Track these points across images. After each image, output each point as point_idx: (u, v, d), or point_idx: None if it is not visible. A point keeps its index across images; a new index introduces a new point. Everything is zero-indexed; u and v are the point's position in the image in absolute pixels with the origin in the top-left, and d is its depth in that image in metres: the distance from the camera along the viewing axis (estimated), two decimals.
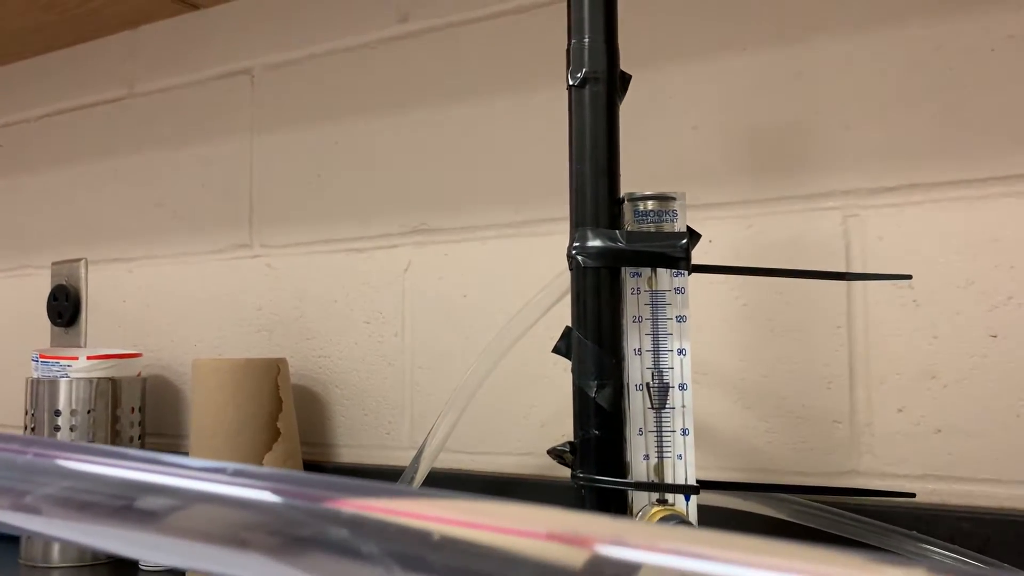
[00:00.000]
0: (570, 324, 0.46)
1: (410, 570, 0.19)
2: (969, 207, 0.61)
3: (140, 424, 0.91)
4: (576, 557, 0.18)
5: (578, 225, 0.46)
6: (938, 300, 0.61)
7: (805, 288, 0.65)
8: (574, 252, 0.45)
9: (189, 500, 0.22)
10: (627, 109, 0.51)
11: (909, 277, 0.48)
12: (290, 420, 0.79)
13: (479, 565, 0.19)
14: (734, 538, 0.18)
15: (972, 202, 0.61)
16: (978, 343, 0.60)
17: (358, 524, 0.20)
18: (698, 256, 0.69)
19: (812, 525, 0.60)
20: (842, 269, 0.64)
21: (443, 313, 0.81)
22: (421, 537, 0.19)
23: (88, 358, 0.88)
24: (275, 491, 0.21)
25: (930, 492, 0.61)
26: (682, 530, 0.18)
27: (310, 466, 0.83)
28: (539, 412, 0.75)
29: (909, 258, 0.62)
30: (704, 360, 0.68)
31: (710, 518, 0.62)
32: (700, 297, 0.68)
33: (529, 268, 0.77)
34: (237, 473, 0.22)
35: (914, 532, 0.58)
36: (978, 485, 0.59)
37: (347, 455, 0.85)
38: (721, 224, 0.68)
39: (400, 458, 0.81)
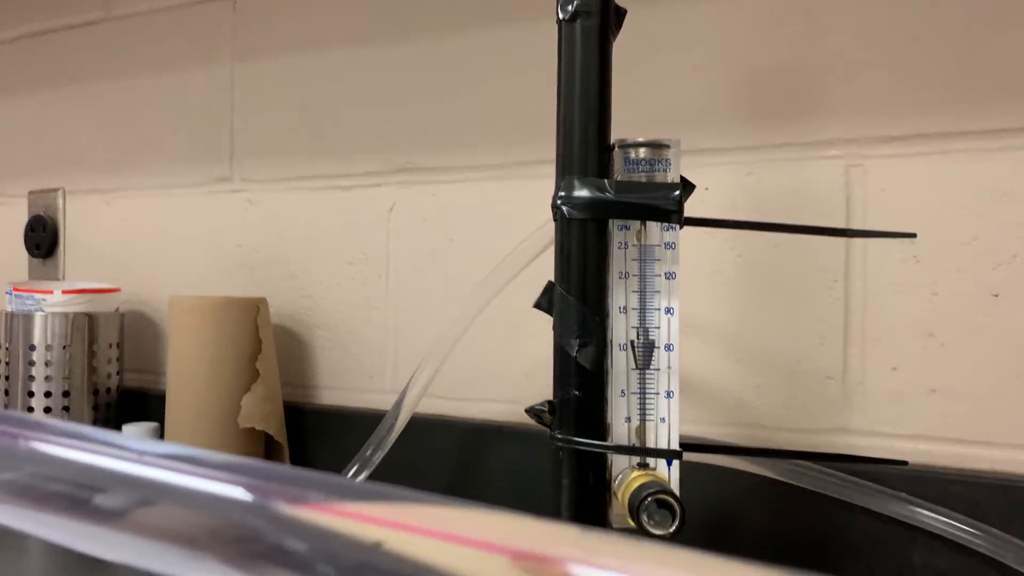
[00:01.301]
0: (552, 278, 0.44)
1: None
2: (978, 159, 0.58)
3: (118, 360, 0.90)
4: None
5: (564, 173, 0.43)
6: (940, 256, 0.59)
7: (803, 240, 0.63)
8: (559, 202, 0.43)
9: (144, 493, 0.21)
10: (622, 47, 0.47)
11: (913, 236, 0.45)
12: (270, 361, 0.77)
13: None
14: (721, 564, 0.16)
15: (982, 154, 0.58)
16: (979, 302, 0.58)
17: (317, 540, 0.18)
18: (694, 205, 0.66)
19: (800, 484, 0.58)
20: (843, 221, 0.62)
21: (428, 256, 0.78)
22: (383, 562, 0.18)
23: (63, 292, 0.85)
24: (242, 485, 0.20)
25: (921, 453, 0.59)
26: (664, 552, 0.16)
27: (291, 407, 0.82)
28: (524, 361, 0.73)
29: (912, 212, 0.59)
30: (696, 313, 0.66)
31: (696, 475, 0.61)
32: (694, 248, 0.66)
33: (518, 212, 0.74)
34: (197, 462, 0.21)
35: (903, 494, 0.57)
36: (971, 447, 0.58)
37: (329, 397, 0.83)
38: (719, 171, 0.65)
39: (382, 402, 0.80)
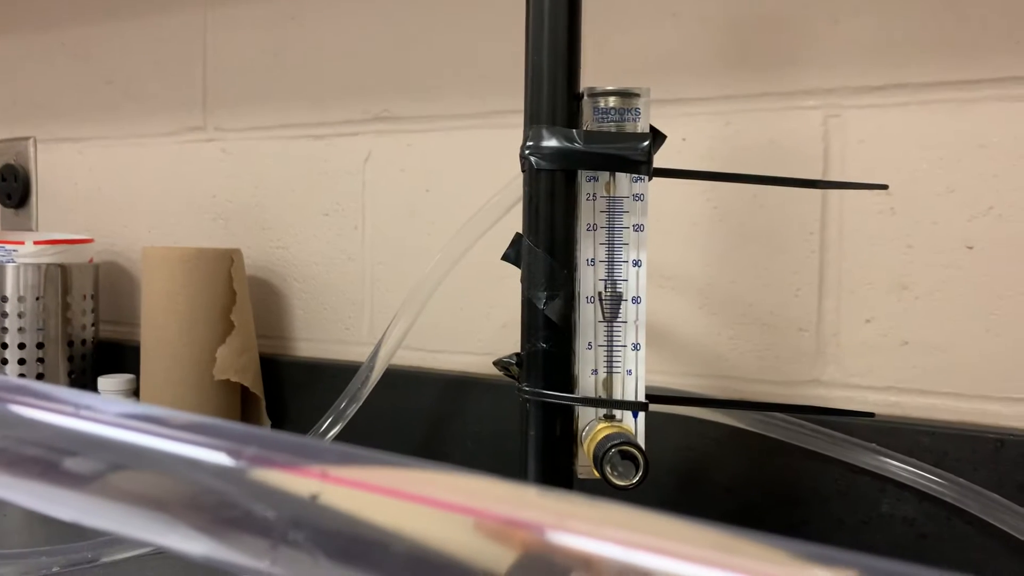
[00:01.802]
0: (521, 231, 0.43)
1: (335, 562, 0.17)
2: (957, 110, 0.57)
3: (93, 311, 0.89)
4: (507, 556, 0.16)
5: (533, 122, 0.42)
6: (916, 208, 0.58)
7: (780, 192, 0.62)
8: (527, 152, 0.42)
9: (113, 457, 0.20)
10: None
11: (885, 187, 0.45)
12: (245, 313, 0.77)
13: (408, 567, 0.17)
14: (687, 528, 0.16)
15: (961, 105, 0.57)
16: (953, 254, 0.58)
17: (287, 507, 0.18)
18: (670, 156, 0.65)
19: (769, 434, 0.59)
20: (820, 172, 0.61)
21: (405, 207, 0.77)
22: (351, 528, 0.18)
23: (35, 243, 0.84)
24: (212, 447, 0.20)
25: (892, 404, 0.59)
26: (632, 516, 0.16)
27: (267, 359, 0.81)
28: (501, 312, 0.73)
29: (889, 163, 0.59)
30: (670, 264, 0.65)
31: (668, 425, 0.61)
32: (669, 199, 0.65)
33: (495, 162, 0.73)
34: (163, 423, 0.21)
35: (873, 444, 0.57)
36: (941, 399, 0.58)
37: (305, 349, 0.83)
38: (697, 121, 0.65)
39: (359, 354, 0.80)
